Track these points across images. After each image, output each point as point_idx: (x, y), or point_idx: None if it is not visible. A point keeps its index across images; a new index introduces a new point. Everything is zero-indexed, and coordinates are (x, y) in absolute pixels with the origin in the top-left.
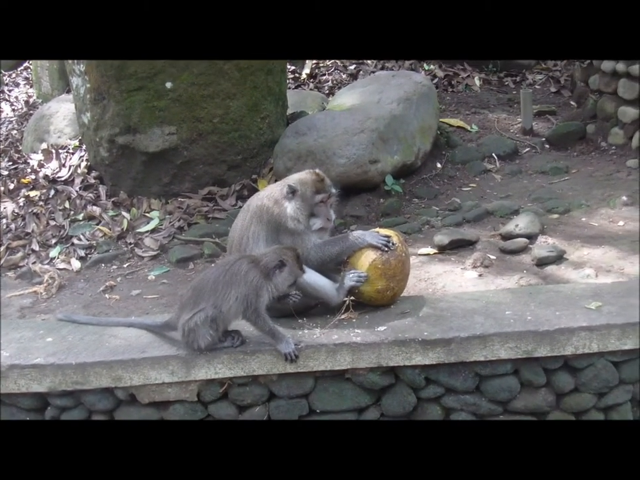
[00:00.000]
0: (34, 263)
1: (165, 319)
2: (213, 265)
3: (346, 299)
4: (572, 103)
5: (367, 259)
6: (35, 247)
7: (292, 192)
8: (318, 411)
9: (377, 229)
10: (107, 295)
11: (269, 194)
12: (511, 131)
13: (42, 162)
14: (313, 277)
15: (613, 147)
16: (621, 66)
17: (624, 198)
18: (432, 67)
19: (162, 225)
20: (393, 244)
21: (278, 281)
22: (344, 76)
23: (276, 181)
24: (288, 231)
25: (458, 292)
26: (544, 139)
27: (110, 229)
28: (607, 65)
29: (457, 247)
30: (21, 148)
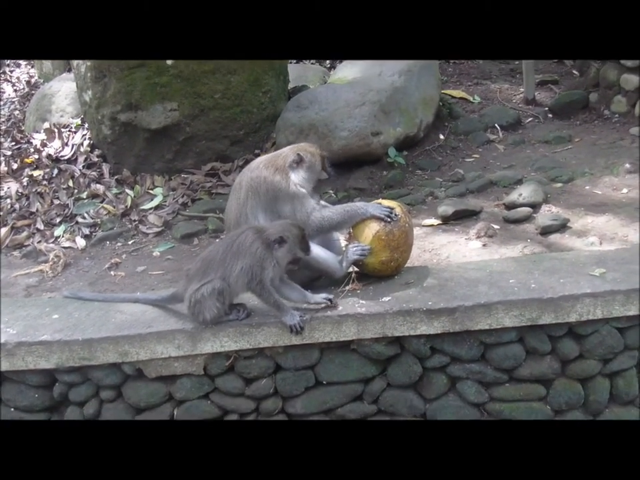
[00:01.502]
0: (39, 242)
1: (171, 292)
2: (219, 238)
3: (350, 270)
4: (574, 72)
5: (370, 230)
6: (40, 226)
7: (299, 160)
8: (324, 382)
9: (380, 200)
10: (112, 272)
11: (266, 164)
12: (514, 101)
13: (45, 141)
14: (316, 250)
15: (616, 115)
16: None
17: (627, 165)
18: None
19: (165, 201)
20: (395, 215)
21: (278, 255)
22: None
23: None
24: (288, 196)
25: (462, 262)
26: (546, 109)
27: (114, 207)
28: None
29: (460, 218)
30: (23, 128)
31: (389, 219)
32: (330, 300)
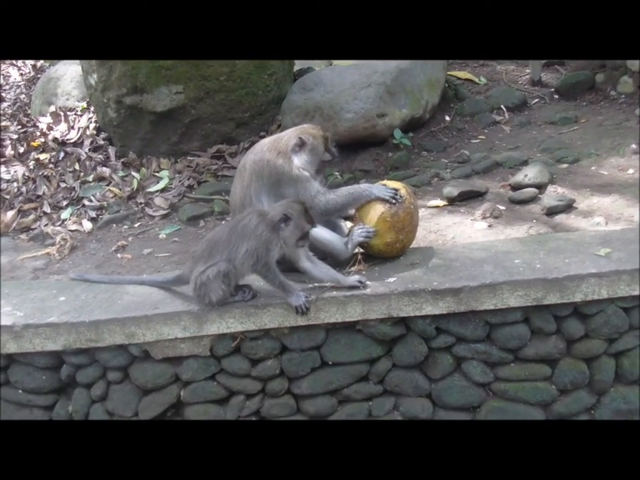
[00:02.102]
0: (46, 225)
1: (177, 273)
2: (225, 220)
3: (356, 250)
4: None
5: (375, 212)
6: (47, 209)
7: (301, 144)
8: (330, 362)
9: (385, 182)
10: (118, 255)
11: (269, 147)
12: (520, 82)
13: (51, 125)
14: (321, 232)
15: (622, 96)
16: None
17: (633, 146)
18: None
19: (172, 184)
20: (400, 196)
21: (285, 234)
22: None
23: None
24: (291, 180)
25: (467, 242)
26: (553, 90)
27: (120, 190)
28: None
29: (466, 199)
30: (29, 112)
31: (393, 201)
32: (362, 282)
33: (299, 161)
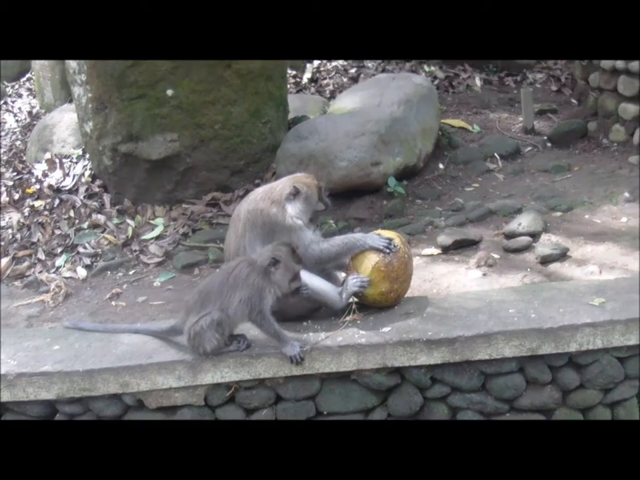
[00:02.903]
0: (40, 272)
1: (170, 324)
2: (218, 269)
3: (351, 300)
4: (573, 100)
5: (369, 262)
6: (41, 256)
7: (295, 193)
8: (325, 412)
9: (379, 231)
10: (113, 302)
11: (262, 196)
12: (513, 130)
13: (46, 172)
14: (315, 282)
15: (615, 144)
16: (620, 63)
17: (626, 194)
18: (432, 68)
19: (166, 231)
20: (394, 246)
21: (277, 278)
22: (345, 79)
23: None
24: (285, 229)
25: (462, 292)
26: (545, 138)
27: (115, 237)
28: (606, 62)
29: (460, 247)
30: (24, 158)
31: (387, 250)
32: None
33: (292, 210)
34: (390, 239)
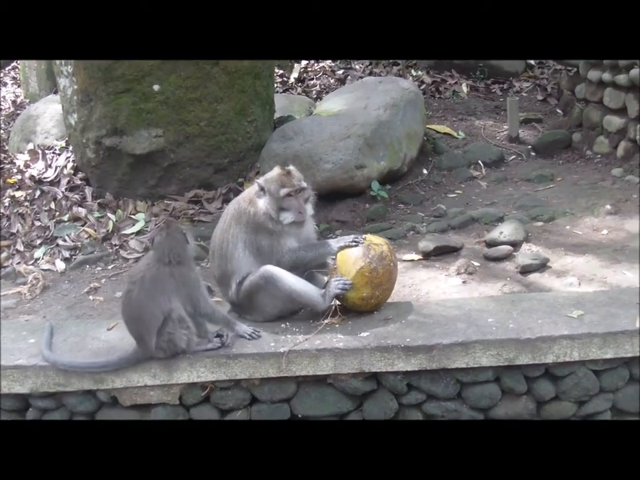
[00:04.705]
0: (18, 263)
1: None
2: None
3: (333, 302)
4: (558, 111)
5: (354, 265)
6: (20, 247)
7: (261, 189)
8: (300, 415)
9: (366, 236)
10: (91, 297)
11: (245, 196)
12: (497, 138)
13: (28, 162)
14: (298, 284)
15: (598, 156)
16: (606, 75)
17: (608, 207)
18: (419, 73)
19: (147, 227)
20: (363, 238)
21: (181, 258)
22: (332, 81)
23: None
24: (266, 232)
25: (441, 299)
26: (530, 147)
27: (95, 231)
28: (593, 73)
29: (441, 254)
30: (7, 148)
31: (354, 243)
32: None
33: (262, 205)
34: (358, 236)
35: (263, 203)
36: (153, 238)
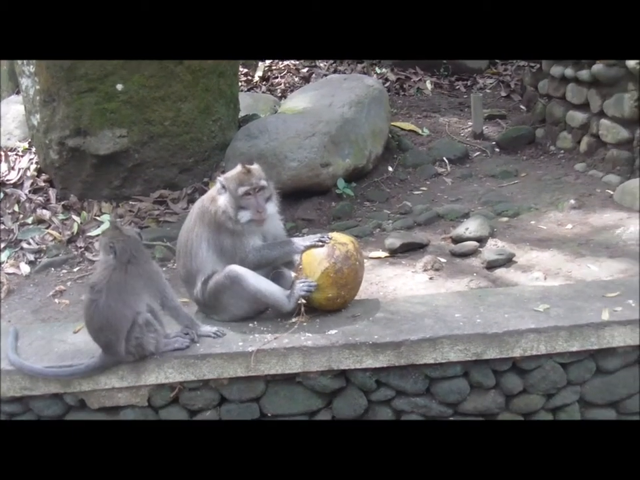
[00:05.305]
0: None
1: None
2: (166, 267)
3: (300, 302)
4: (522, 107)
5: (319, 266)
6: None
7: (222, 187)
8: (269, 414)
9: (332, 234)
10: (56, 300)
11: (208, 194)
12: (462, 134)
13: None
14: (263, 284)
15: (562, 151)
16: (569, 71)
17: (572, 201)
18: (384, 70)
19: None
20: (329, 237)
21: (139, 253)
22: (296, 79)
23: None
24: (228, 231)
25: (408, 295)
26: (494, 143)
27: (60, 233)
28: (555, 69)
29: (407, 250)
30: None
31: (320, 244)
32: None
33: (221, 204)
34: (324, 236)
35: (222, 201)
36: (106, 243)
